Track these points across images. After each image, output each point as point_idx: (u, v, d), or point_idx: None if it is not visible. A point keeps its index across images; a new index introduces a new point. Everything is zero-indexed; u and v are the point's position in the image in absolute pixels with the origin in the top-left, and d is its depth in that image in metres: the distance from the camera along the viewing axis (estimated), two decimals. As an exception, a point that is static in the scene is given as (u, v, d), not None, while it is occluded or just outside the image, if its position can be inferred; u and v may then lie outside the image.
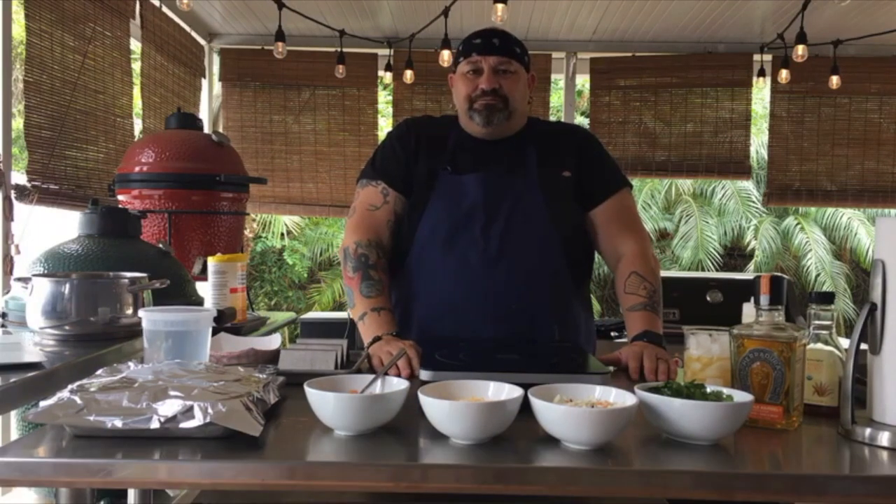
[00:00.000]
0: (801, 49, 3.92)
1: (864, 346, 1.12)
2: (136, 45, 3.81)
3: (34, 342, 1.68)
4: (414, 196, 1.81)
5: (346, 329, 1.87)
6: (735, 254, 10.53)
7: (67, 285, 1.68)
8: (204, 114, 4.72)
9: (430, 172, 1.81)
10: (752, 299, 1.23)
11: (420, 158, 1.83)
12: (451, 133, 1.84)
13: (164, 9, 4.01)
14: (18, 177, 2.88)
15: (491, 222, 1.75)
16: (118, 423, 1.01)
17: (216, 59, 4.91)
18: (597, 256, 1.94)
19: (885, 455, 1.04)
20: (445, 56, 4.10)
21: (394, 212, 1.82)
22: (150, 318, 1.36)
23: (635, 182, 9.77)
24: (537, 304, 1.75)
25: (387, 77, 4.86)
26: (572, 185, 1.81)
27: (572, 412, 1.02)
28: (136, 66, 3.76)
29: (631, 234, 1.84)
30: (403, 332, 1.72)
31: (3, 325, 1.90)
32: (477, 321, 1.72)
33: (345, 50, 4.50)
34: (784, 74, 4.45)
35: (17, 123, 3.48)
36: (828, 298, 1.26)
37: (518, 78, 1.79)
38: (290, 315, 2.92)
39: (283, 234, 10.00)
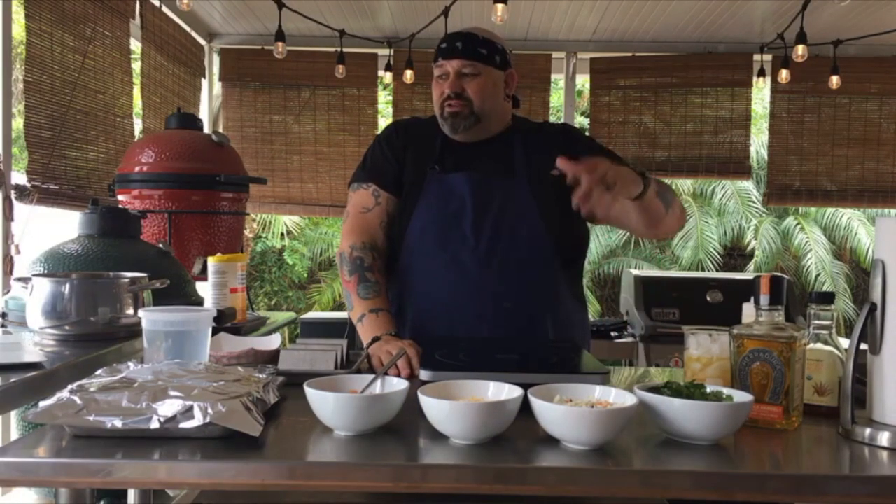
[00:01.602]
0: (801, 49, 3.92)
1: (864, 346, 1.12)
2: (136, 45, 3.81)
3: (34, 342, 1.68)
4: (404, 196, 1.82)
5: (346, 329, 1.87)
6: (735, 254, 10.53)
7: (67, 285, 1.68)
8: (204, 114, 4.72)
9: (418, 172, 1.82)
10: (752, 299, 1.23)
11: (409, 159, 1.84)
12: (439, 133, 1.85)
13: (164, 9, 4.01)
14: (18, 177, 2.88)
15: (480, 221, 1.75)
16: (118, 424, 1.01)
17: (216, 59, 4.91)
18: (591, 256, 1.93)
19: (884, 455, 1.04)
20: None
21: (386, 213, 1.82)
22: (150, 318, 1.36)
23: (635, 182, 9.76)
24: (531, 302, 1.76)
25: (387, 77, 4.86)
26: (561, 182, 1.80)
27: (572, 412, 1.02)
28: (136, 66, 3.76)
29: None
30: (399, 332, 1.72)
31: (3, 325, 1.90)
32: (470, 320, 1.73)
33: (345, 50, 4.50)
34: (784, 74, 4.45)
35: (17, 123, 3.48)
36: (828, 298, 1.26)
37: (483, 80, 1.77)
38: (290, 315, 2.91)
39: (283, 234, 10.00)
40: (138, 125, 3.79)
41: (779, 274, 1.29)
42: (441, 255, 1.75)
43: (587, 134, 2.00)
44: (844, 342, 1.20)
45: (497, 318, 1.72)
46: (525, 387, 1.10)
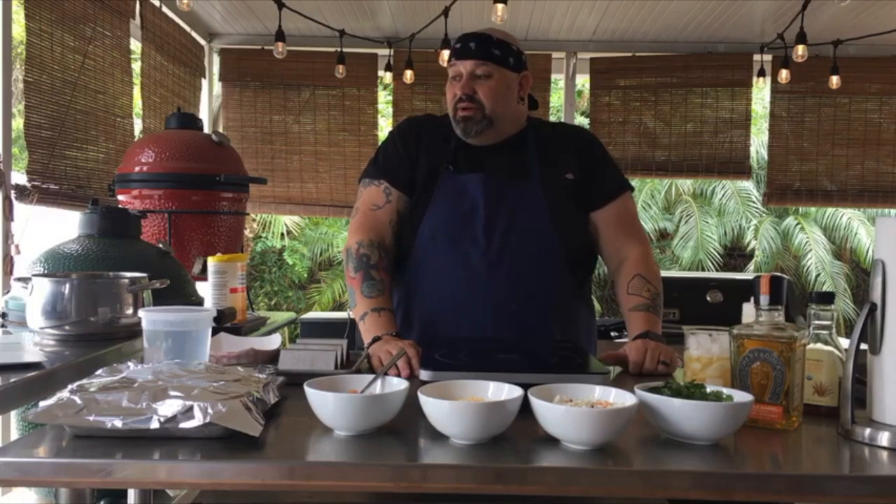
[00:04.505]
0: (801, 49, 3.92)
1: (864, 346, 1.12)
2: (136, 45, 3.80)
3: (34, 342, 1.68)
4: (416, 195, 1.81)
5: (346, 329, 1.87)
6: (735, 254, 10.53)
7: (67, 285, 1.68)
8: (204, 114, 4.72)
9: (431, 171, 1.81)
10: (752, 299, 1.23)
11: (422, 157, 1.83)
12: (453, 133, 1.83)
13: (164, 9, 4.01)
14: (18, 177, 2.88)
15: (492, 222, 1.75)
16: (118, 424, 1.01)
17: (216, 59, 4.91)
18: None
19: (884, 455, 1.04)
20: (445, 56, 4.10)
21: (396, 211, 1.82)
22: (150, 318, 1.36)
23: (635, 182, 9.77)
24: (539, 304, 1.76)
25: (387, 77, 4.86)
26: (574, 187, 1.81)
27: (572, 412, 1.02)
28: (136, 66, 3.76)
29: (634, 238, 1.85)
30: (405, 332, 1.73)
31: (3, 325, 1.90)
32: (479, 321, 1.72)
33: (345, 50, 4.50)
34: (784, 74, 4.45)
35: (17, 123, 3.48)
36: (828, 298, 1.26)
37: (496, 82, 1.75)
38: (290, 315, 2.92)
39: (283, 234, 10.00)
40: (138, 125, 3.79)
41: (779, 274, 1.29)
42: (451, 255, 1.75)
43: (598, 139, 2.00)
44: (844, 342, 1.20)
45: (505, 320, 1.72)
46: (525, 387, 1.10)
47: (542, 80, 4.86)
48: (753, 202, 9.98)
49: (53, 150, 3.00)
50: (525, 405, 1.07)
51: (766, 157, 5.27)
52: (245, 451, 1.00)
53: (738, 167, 4.98)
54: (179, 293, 2.07)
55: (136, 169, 2.60)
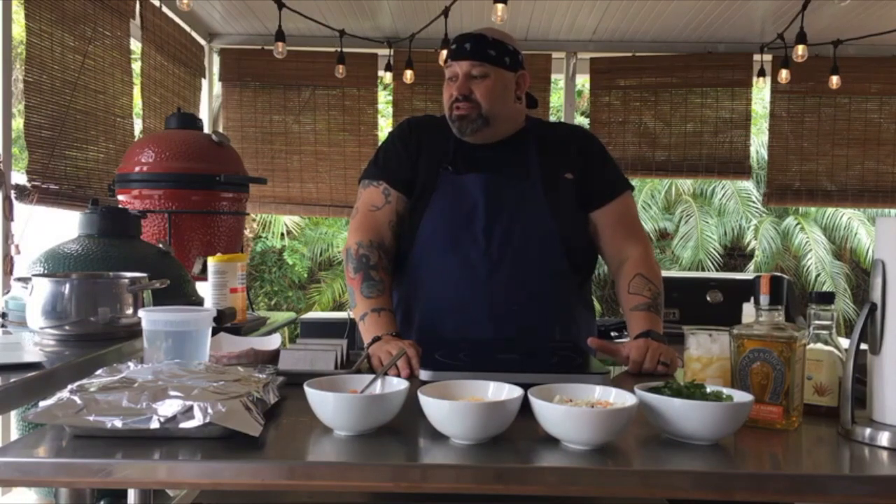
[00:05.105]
0: (801, 49, 3.92)
1: (864, 346, 1.12)
2: (136, 45, 3.80)
3: (34, 342, 1.68)
4: (415, 196, 1.81)
5: (346, 329, 1.87)
6: (735, 254, 10.53)
7: (67, 285, 1.68)
8: (204, 114, 4.72)
9: (431, 172, 1.81)
10: (752, 299, 1.23)
11: (422, 158, 1.83)
12: (452, 133, 1.84)
13: (164, 9, 4.01)
14: (18, 177, 2.88)
15: (493, 222, 1.75)
16: (118, 424, 1.01)
17: (216, 59, 4.91)
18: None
19: (884, 455, 1.04)
20: (445, 56, 4.10)
21: (396, 212, 1.82)
22: (150, 318, 1.36)
23: (635, 182, 9.76)
24: (539, 305, 1.76)
25: (387, 77, 4.86)
26: (574, 187, 1.81)
27: (572, 412, 1.02)
28: (136, 66, 3.76)
29: (635, 238, 1.85)
30: (405, 333, 1.73)
31: (3, 325, 1.90)
32: (479, 321, 1.72)
33: (345, 50, 4.50)
34: (784, 74, 4.45)
35: (17, 123, 3.48)
36: (828, 298, 1.26)
37: (492, 82, 1.75)
38: (290, 315, 2.92)
39: (283, 234, 10.00)
40: (138, 125, 3.79)
41: (779, 274, 1.29)
42: (451, 256, 1.75)
43: (598, 138, 1.99)
44: (844, 342, 1.20)
45: (505, 320, 1.72)
46: (525, 387, 1.10)
47: (542, 80, 4.87)
48: (753, 202, 9.98)
49: (53, 150, 3.00)
50: (525, 405, 1.07)
51: (766, 157, 5.27)
52: (245, 451, 1.00)
53: (738, 167, 4.98)
54: (179, 293, 2.07)
55: (136, 169, 2.60)
